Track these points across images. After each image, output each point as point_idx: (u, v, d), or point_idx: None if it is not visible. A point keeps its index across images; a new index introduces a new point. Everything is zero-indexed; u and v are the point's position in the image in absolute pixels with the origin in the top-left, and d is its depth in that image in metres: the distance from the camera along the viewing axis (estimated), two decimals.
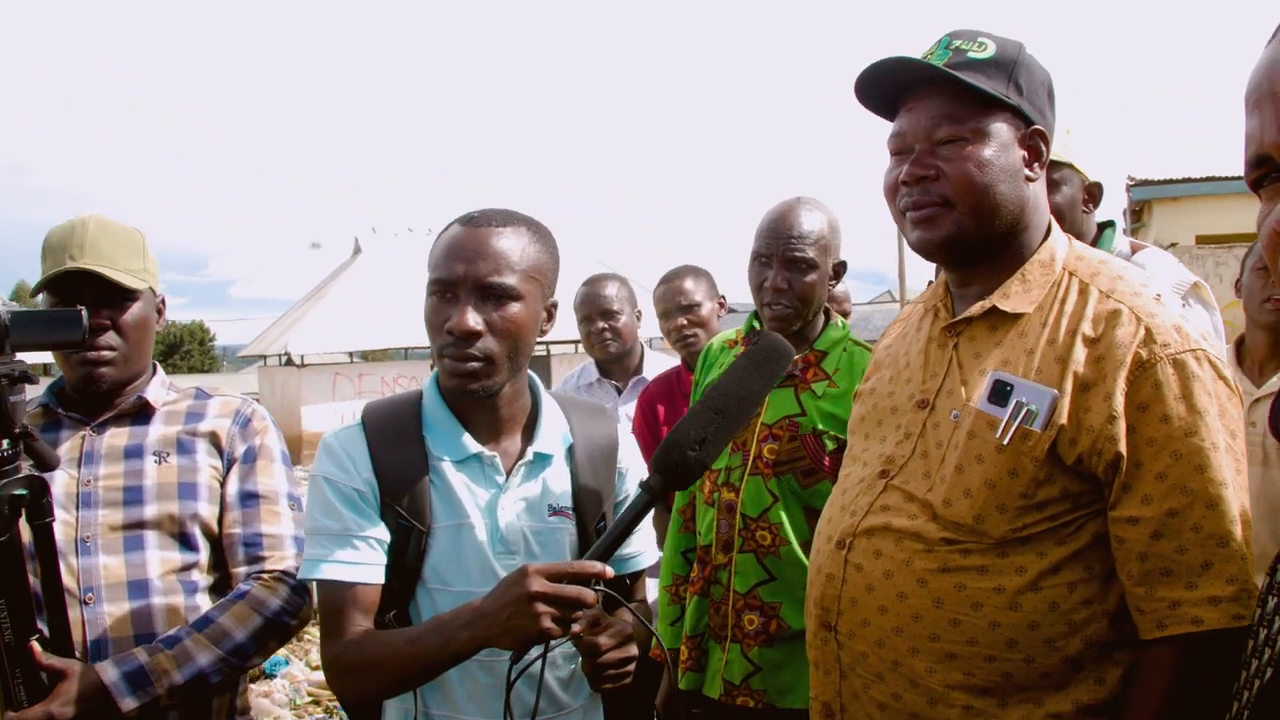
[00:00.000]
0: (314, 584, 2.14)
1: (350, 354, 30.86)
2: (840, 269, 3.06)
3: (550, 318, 2.17)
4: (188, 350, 65.08)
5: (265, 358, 31.59)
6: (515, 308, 2.04)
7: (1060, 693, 1.82)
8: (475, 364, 2.02)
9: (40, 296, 2.42)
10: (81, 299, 2.35)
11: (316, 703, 6.98)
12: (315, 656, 7.89)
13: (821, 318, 3.09)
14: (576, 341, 25.73)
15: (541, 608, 1.77)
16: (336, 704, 6.87)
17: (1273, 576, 1.29)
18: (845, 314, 4.83)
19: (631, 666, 1.97)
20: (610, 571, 1.84)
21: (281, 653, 7.37)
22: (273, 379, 29.28)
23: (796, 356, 2.96)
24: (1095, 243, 2.97)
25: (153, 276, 2.53)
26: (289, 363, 28.64)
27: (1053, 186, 2.81)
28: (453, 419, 2.14)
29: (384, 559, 2.05)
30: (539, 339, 2.17)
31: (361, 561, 2.03)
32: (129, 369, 2.50)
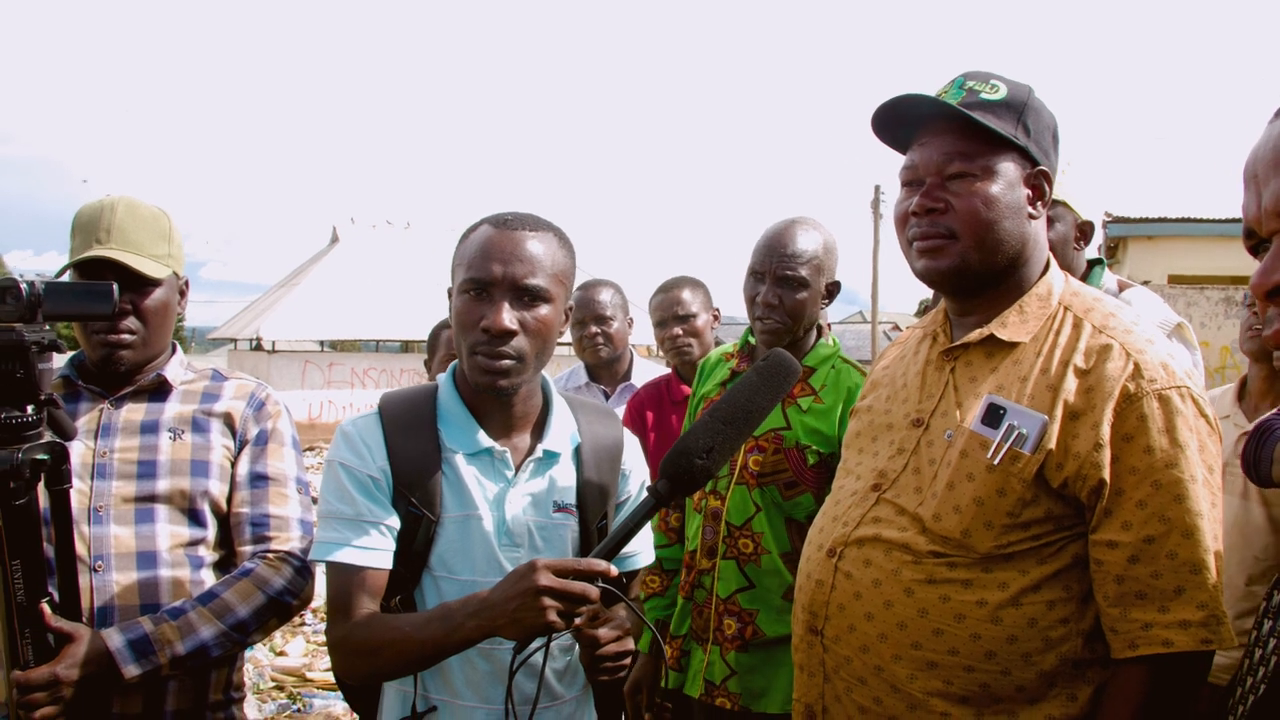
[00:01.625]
0: (321, 566, 2.20)
1: (321, 343, 30.79)
2: (834, 289, 3.14)
3: (567, 320, 2.24)
4: None
5: (236, 341, 31.48)
6: (546, 309, 2.12)
7: (1034, 706, 1.91)
8: (508, 362, 2.09)
9: (67, 275, 2.47)
10: (103, 279, 2.38)
11: (280, 688, 7.00)
12: (279, 642, 7.91)
13: (813, 335, 3.18)
14: (563, 344, 25.71)
15: (548, 601, 1.84)
16: (300, 690, 6.91)
17: (1269, 600, 1.38)
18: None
19: (628, 660, 2.05)
20: (615, 571, 1.90)
21: None
22: (242, 363, 29.11)
23: None
24: (1084, 279, 3.05)
25: (176, 261, 2.57)
26: (259, 348, 28.54)
27: (1047, 223, 2.92)
28: (467, 414, 2.21)
29: (393, 545, 2.11)
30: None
31: (372, 547, 2.09)
32: (147, 351, 2.55)
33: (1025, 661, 1.90)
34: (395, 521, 2.12)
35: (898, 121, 2.12)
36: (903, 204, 2.10)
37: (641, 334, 5.85)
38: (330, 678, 6.66)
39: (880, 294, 24.74)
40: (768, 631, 2.94)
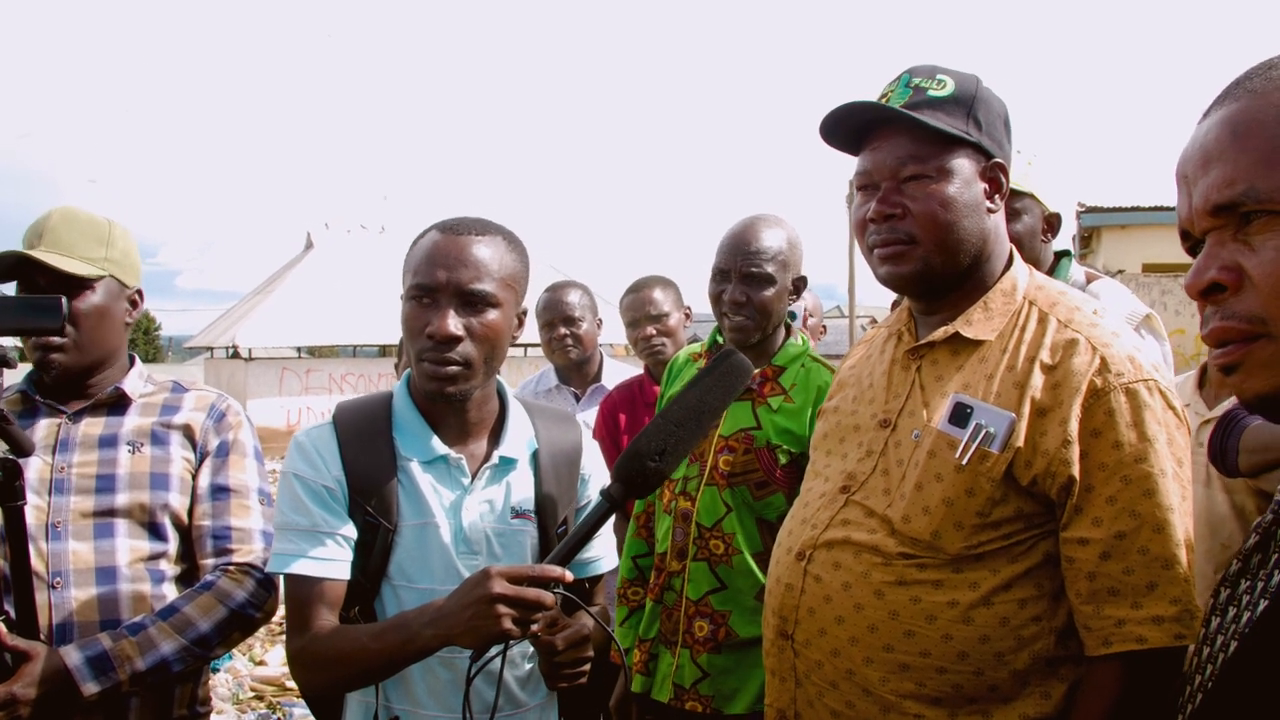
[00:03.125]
0: (281, 578, 2.18)
1: (298, 349, 30.67)
2: (800, 284, 3.13)
3: (520, 324, 2.23)
4: (132, 339, 64.33)
5: (212, 350, 31.32)
6: (493, 314, 2.10)
7: (1007, 705, 1.89)
8: (454, 368, 2.08)
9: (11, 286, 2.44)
10: (37, 286, 2.39)
11: (259, 698, 6.99)
12: (258, 652, 7.89)
13: (781, 333, 3.16)
14: (527, 345, 25.84)
15: (502, 609, 1.83)
16: (280, 699, 6.88)
17: (1216, 598, 1.37)
18: (823, 329, 4.90)
19: (587, 666, 2.05)
20: (570, 576, 1.89)
21: None
22: (219, 371, 29.02)
23: (755, 371, 3.04)
24: (1052, 272, 3.05)
25: (118, 266, 2.53)
26: (235, 355, 28.42)
27: (1013, 215, 2.90)
28: (422, 421, 2.19)
29: (350, 555, 2.11)
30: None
31: (329, 558, 2.08)
32: (82, 357, 2.49)
33: (998, 661, 1.88)
34: (351, 531, 2.11)
35: (847, 126, 2.11)
36: (860, 209, 2.08)
37: (613, 334, 5.82)
38: None
39: (856, 288, 24.78)
40: (740, 633, 2.92)
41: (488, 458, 2.21)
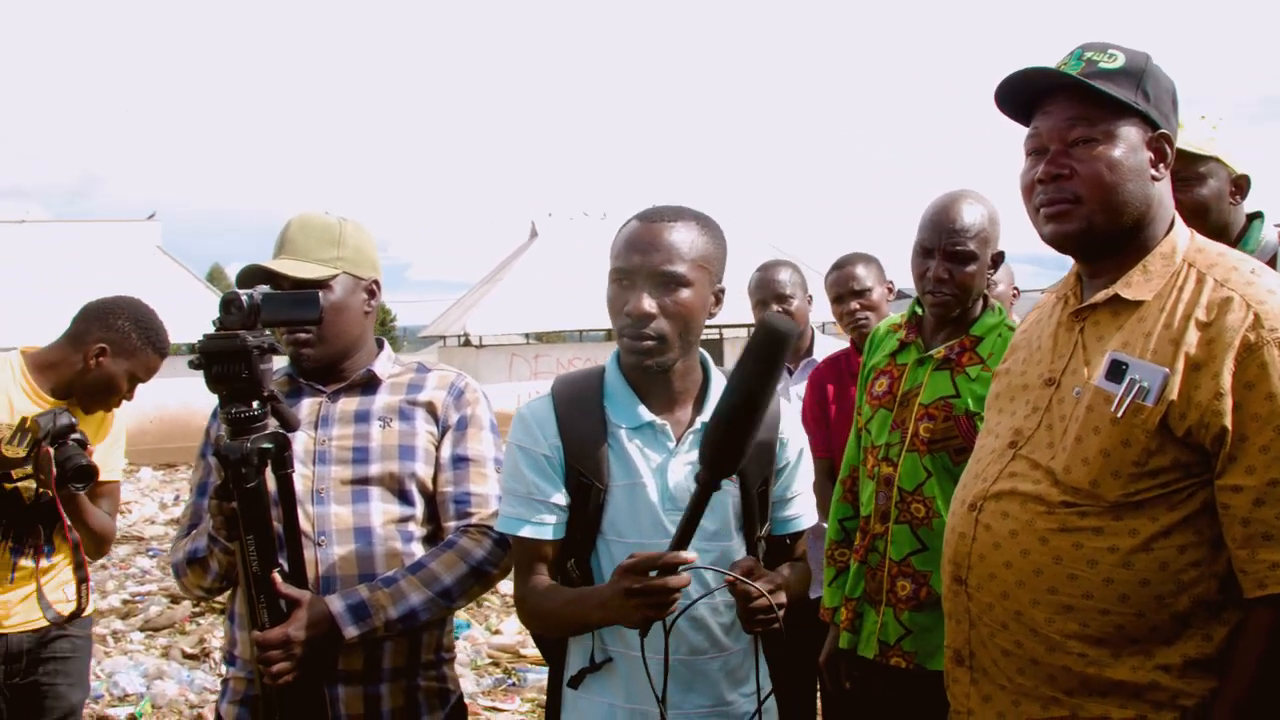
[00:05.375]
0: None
1: (526, 335, 31.50)
2: (999, 259, 3.22)
3: (718, 302, 2.42)
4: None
5: (444, 338, 32.48)
6: (685, 293, 2.30)
7: (1169, 646, 1.99)
8: (649, 343, 2.30)
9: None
10: (282, 289, 2.64)
11: (495, 664, 7.38)
12: (494, 622, 8.31)
13: (979, 304, 3.25)
14: (747, 325, 25.79)
15: (635, 601, 2.09)
16: (515, 665, 7.26)
17: None
18: (1015, 293, 4.90)
19: (780, 613, 2.23)
20: (693, 556, 2.09)
21: (463, 616, 7.81)
22: (451, 359, 30.00)
23: (953, 341, 3.16)
24: (1244, 233, 3.03)
25: (350, 263, 2.79)
26: (467, 343, 29.43)
27: (1199, 180, 2.90)
28: (630, 391, 2.42)
29: (560, 517, 2.38)
30: (712, 323, 2.42)
31: (541, 521, 2.37)
32: (329, 348, 2.77)
33: (1159, 603, 1.98)
34: (562, 497, 2.38)
35: (1020, 94, 2.21)
36: (1028, 173, 2.19)
37: (824, 311, 5.83)
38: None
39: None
40: (941, 592, 3.02)
41: (691, 423, 2.41)
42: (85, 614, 3.88)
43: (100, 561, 10.76)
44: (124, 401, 3.90)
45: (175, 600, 9.02)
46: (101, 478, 3.76)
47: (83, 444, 3.65)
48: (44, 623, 3.79)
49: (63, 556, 3.85)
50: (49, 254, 27.04)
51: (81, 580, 3.79)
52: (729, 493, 2.41)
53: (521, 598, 2.42)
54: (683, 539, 2.10)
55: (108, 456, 3.94)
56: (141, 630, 8.34)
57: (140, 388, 3.89)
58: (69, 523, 3.69)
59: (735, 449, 2.06)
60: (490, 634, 8.02)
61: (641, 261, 2.29)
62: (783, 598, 2.24)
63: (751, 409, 2.04)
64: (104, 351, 3.71)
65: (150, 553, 11.58)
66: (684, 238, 2.31)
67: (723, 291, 2.43)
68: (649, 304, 2.28)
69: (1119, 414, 2.00)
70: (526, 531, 2.37)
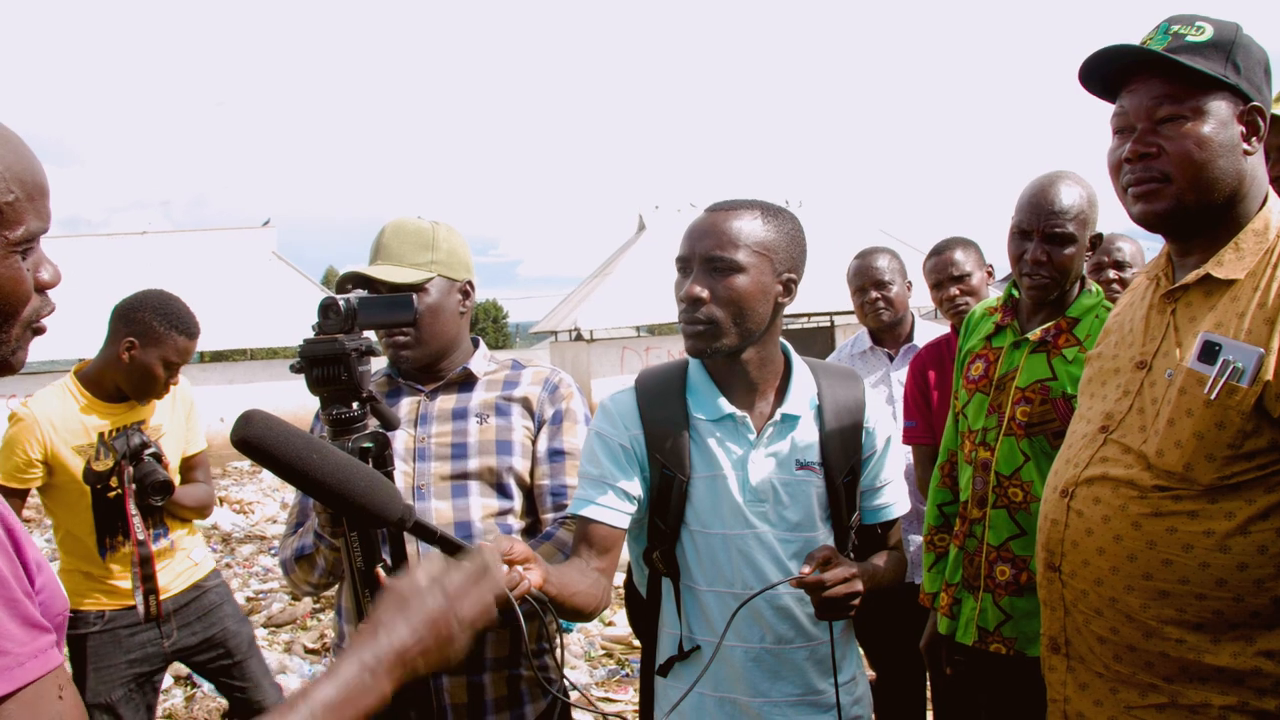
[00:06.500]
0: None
1: (637, 328, 31.64)
2: (1096, 241, 3.16)
3: (787, 291, 2.41)
4: (483, 328, 67.99)
5: (556, 333, 32.81)
6: (739, 279, 2.31)
7: (1271, 631, 1.94)
8: (700, 327, 2.33)
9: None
10: (379, 293, 2.72)
11: (609, 655, 7.45)
12: (606, 614, 8.36)
13: (1076, 286, 3.20)
14: (839, 314, 25.66)
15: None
16: (628, 656, 7.32)
17: None
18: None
19: (855, 601, 2.25)
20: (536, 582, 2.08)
21: None
22: (563, 354, 30.37)
23: (1049, 323, 3.12)
24: None
25: (444, 265, 2.84)
26: (578, 338, 29.66)
27: None
28: (711, 383, 2.45)
29: (627, 506, 2.40)
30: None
31: (607, 505, 2.39)
32: (426, 349, 2.83)
33: (1258, 587, 1.93)
34: (635, 486, 2.41)
35: (1105, 72, 2.17)
36: (1115, 151, 2.15)
37: (923, 297, 5.79)
38: None
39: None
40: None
41: (771, 415, 2.43)
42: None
43: (225, 560, 11.15)
44: (172, 386, 4.27)
45: (296, 597, 9.27)
46: (189, 451, 4.49)
47: (158, 457, 4.14)
48: (190, 581, 4.41)
49: (184, 530, 4.43)
50: (171, 262, 27.86)
51: (150, 592, 4.16)
52: (813, 483, 2.42)
53: None
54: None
55: (188, 430, 4.50)
56: (265, 626, 8.60)
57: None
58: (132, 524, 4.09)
59: (343, 507, 1.96)
60: (604, 625, 8.09)
61: (693, 249, 2.34)
62: (858, 585, 2.24)
63: (303, 481, 1.92)
64: (133, 345, 4.07)
65: (272, 551, 11.91)
66: (740, 225, 2.33)
67: (794, 281, 2.42)
68: (698, 288, 2.31)
69: (1212, 396, 1.95)
70: (588, 511, 2.38)
